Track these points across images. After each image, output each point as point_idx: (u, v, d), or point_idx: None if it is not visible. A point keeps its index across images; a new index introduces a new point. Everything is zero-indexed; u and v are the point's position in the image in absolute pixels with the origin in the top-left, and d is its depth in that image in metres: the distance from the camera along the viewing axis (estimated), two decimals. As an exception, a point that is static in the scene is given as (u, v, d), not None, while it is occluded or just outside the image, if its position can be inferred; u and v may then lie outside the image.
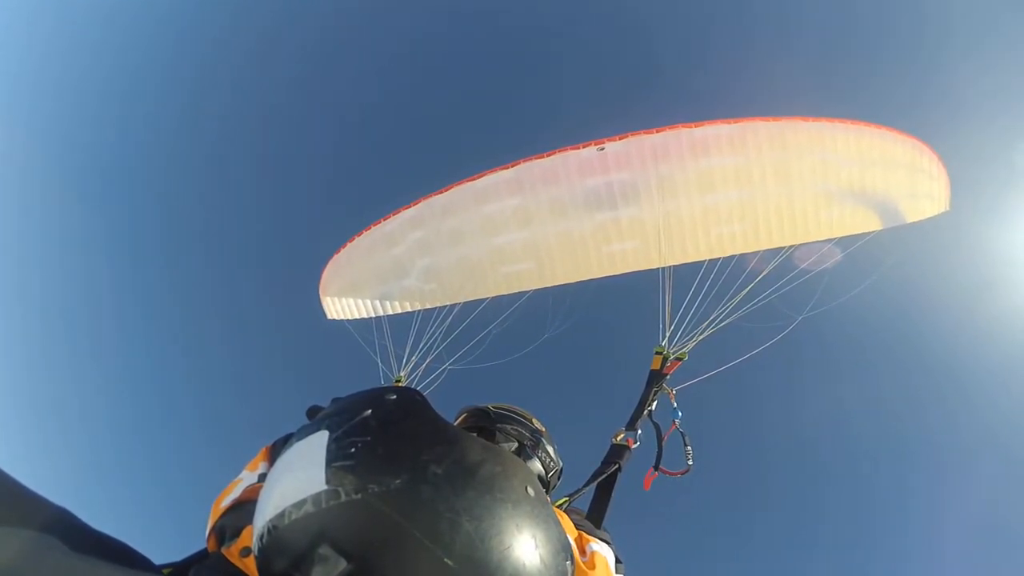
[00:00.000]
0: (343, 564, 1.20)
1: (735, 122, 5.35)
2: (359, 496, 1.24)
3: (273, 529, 1.32)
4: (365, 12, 28.10)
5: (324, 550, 1.21)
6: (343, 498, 1.25)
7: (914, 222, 6.15)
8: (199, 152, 29.97)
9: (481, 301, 6.60)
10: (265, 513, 1.36)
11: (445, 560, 1.20)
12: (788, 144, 5.37)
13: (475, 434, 2.86)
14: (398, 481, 1.26)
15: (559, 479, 3.25)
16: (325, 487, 1.27)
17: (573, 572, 1.51)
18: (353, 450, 1.33)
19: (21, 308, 31.84)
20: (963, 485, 20.82)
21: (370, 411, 1.44)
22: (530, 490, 1.41)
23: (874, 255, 6.28)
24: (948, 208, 6.25)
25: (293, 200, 29.46)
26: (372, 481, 1.26)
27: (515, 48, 27.59)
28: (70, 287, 31.58)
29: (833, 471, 22.33)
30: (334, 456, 1.32)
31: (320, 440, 1.39)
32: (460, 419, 3.23)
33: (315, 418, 1.54)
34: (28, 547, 1.29)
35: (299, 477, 1.34)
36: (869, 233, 5.94)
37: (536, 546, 1.33)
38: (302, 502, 1.28)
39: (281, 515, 1.30)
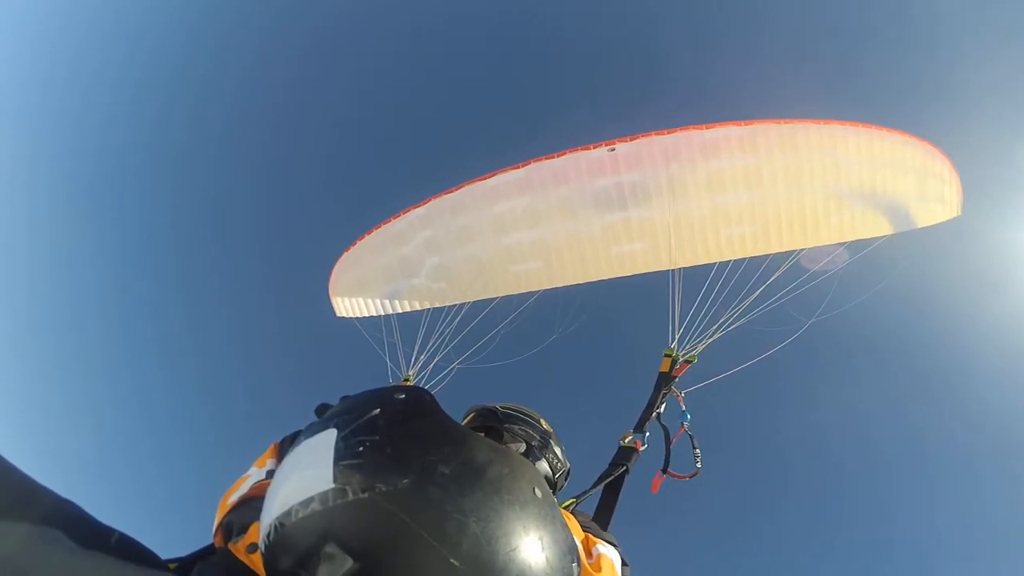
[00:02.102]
0: (349, 563, 1.20)
1: (746, 124, 5.33)
2: (366, 495, 1.24)
3: (280, 526, 1.32)
4: (374, 10, 28.18)
5: (330, 548, 1.22)
6: (350, 497, 1.25)
7: (926, 227, 6.11)
8: (210, 151, 30.10)
9: (490, 301, 6.60)
10: (272, 510, 1.37)
11: (451, 560, 1.20)
12: (799, 146, 5.35)
13: (483, 434, 2.87)
14: (405, 481, 1.26)
15: (566, 480, 3.25)
16: (332, 485, 1.27)
17: (579, 574, 1.51)
18: (361, 449, 1.33)
19: (29, 307, 32.09)
20: (977, 489, 20.69)
21: (378, 410, 1.44)
22: (537, 491, 1.41)
23: (885, 259, 6.25)
24: (960, 213, 6.21)
25: (303, 199, 29.57)
26: (379, 480, 1.26)
27: (526, 48, 27.59)
28: (84, 285, 31.84)
29: (844, 476, 22.22)
30: (342, 455, 1.33)
31: (328, 438, 1.39)
32: (468, 419, 3.23)
33: (324, 416, 1.54)
34: (32, 540, 1.29)
35: (306, 475, 1.34)
36: (880, 237, 5.90)
37: (543, 548, 1.33)
38: (309, 500, 1.28)
39: (288, 513, 1.31)
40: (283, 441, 2.27)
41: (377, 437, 1.36)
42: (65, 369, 32.00)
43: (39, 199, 31.05)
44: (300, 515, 1.28)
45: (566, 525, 1.47)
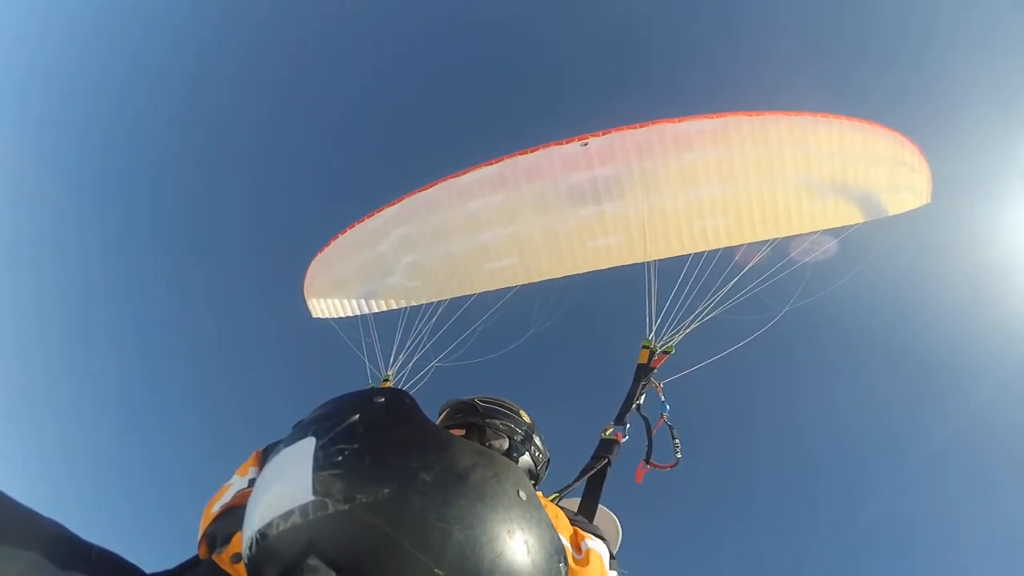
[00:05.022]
0: None
1: (718, 117, 5.37)
2: (347, 507, 1.22)
3: (261, 539, 1.30)
4: (349, 9, 27.91)
5: (313, 561, 1.20)
6: (331, 509, 1.23)
7: (897, 214, 6.21)
8: (185, 152, 29.63)
9: (467, 298, 6.60)
10: (253, 523, 1.34)
11: (436, 570, 1.19)
12: (770, 138, 5.40)
13: (464, 432, 2.85)
14: (387, 490, 1.24)
15: (547, 470, 3.24)
16: (312, 498, 1.25)
17: (567, 574, 1.50)
18: (340, 458, 1.30)
19: (14, 309, 31.40)
20: (947, 476, 21.08)
21: (357, 416, 1.42)
22: (522, 494, 1.40)
23: (858, 247, 6.34)
24: (930, 201, 6.32)
25: (276, 199, 29.27)
26: (360, 491, 1.24)
27: (498, 44, 27.51)
28: (55, 287, 31.20)
29: (819, 463, 22.54)
30: (321, 464, 1.30)
31: (307, 447, 1.37)
32: (444, 414, 3.17)
33: (303, 422, 1.52)
34: (21, 566, 1.27)
35: (286, 486, 1.32)
36: (852, 226, 5.99)
37: (528, 551, 1.32)
38: (289, 513, 1.26)
39: (269, 525, 1.28)
40: (266, 449, 2.24)
41: (356, 445, 1.33)
42: (44, 374, 31.41)
43: (20, 199, 30.38)
44: (281, 528, 1.26)
45: (552, 526, 1.46)
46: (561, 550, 1.46)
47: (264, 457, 2.18)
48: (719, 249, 5.78)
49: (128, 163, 29.76)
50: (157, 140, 29.50)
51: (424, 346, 6.17)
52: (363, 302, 7.03)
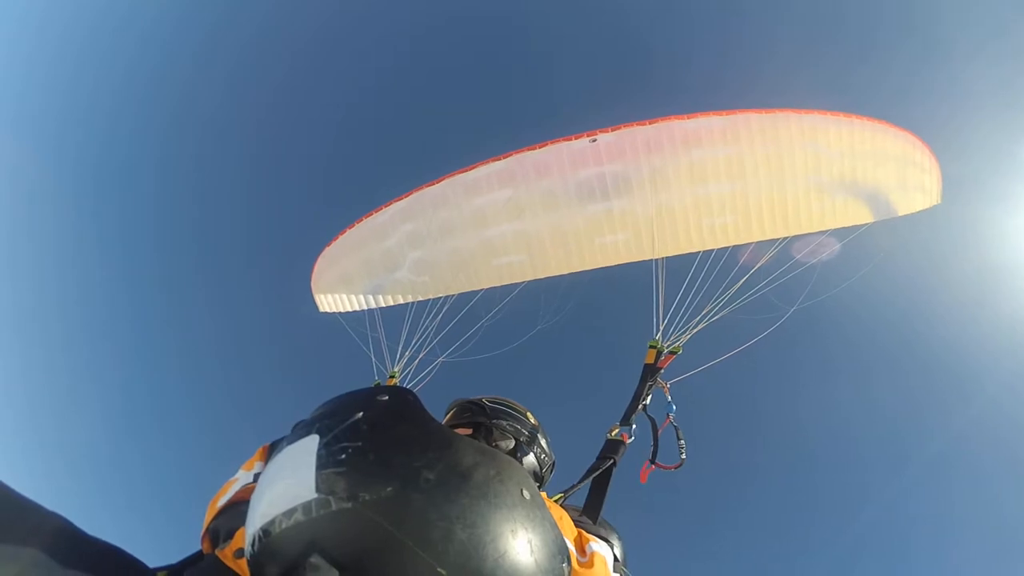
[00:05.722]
0: (335, 574, 1.18)
1: (727, 114, 5.33)
2: (350, 505, 1.22)
3: (264, 535, 1.30)
4: (357, 4, 27.88)
5: (315, 559, 1.19)
6: (334, 507, 1.22)
7: (906, 215, 6.16)
8: (190, 148, 29.75)
9: (474, 293, 6.57)
10: (255, 520, 1.34)
11: (438, 569, 1.18)
12: (780, 136, 5.36)
13: (471, 431, 2.85)
14: (389, 489, 1.24)
15: (552, 472, 3.24)
16: (315, 495, 1.25)
17: (570, 574, 1.49)
18: (343, 456, 1.30)
19: (13, 308, 31.57)
20: (952, 477, 20.98)
21: (361, 414, 1.41)
22: (525, 493, 1.40)
23: (865, 248, 6.30)
24: (940, 201, 6.26)
25: (284, 194, 29.33)
26: (363, 489, 1.23)
27: (507, 39, 27.47)
28: (59, 286, 31.36)
29: (826, 464, 22.48)
30: (324, 462, 1.30)
31: (310, 445, 1.36)
32: (451, 413, 3.18)
33: (307, 419, 1.52)
34: (21, 564, 1.27)
35: (289, 484, 1.32)
36: (861, 225, 5.94)
37: (531, 551, 1.31)
38: (292, 511, 1.25)
39: (271, 522, 1.28)
40: (272, 444, 2.24)
41: (360, 443, 1.33)
42: (49, 371, 31.57)
43: (29, 197, 30.54)
44: (284, 526, 1.26)
45: (555, 526, 1.45)
46: (564, 550, 1.45)
47: (270, 452, 2.18)
48: (727, 248, 5.74)
49: (131, 160, 29.91)
50: (161, 137, 29.64)
51: (430, 342, 6.16)
52: (370, 297, 7.04)
